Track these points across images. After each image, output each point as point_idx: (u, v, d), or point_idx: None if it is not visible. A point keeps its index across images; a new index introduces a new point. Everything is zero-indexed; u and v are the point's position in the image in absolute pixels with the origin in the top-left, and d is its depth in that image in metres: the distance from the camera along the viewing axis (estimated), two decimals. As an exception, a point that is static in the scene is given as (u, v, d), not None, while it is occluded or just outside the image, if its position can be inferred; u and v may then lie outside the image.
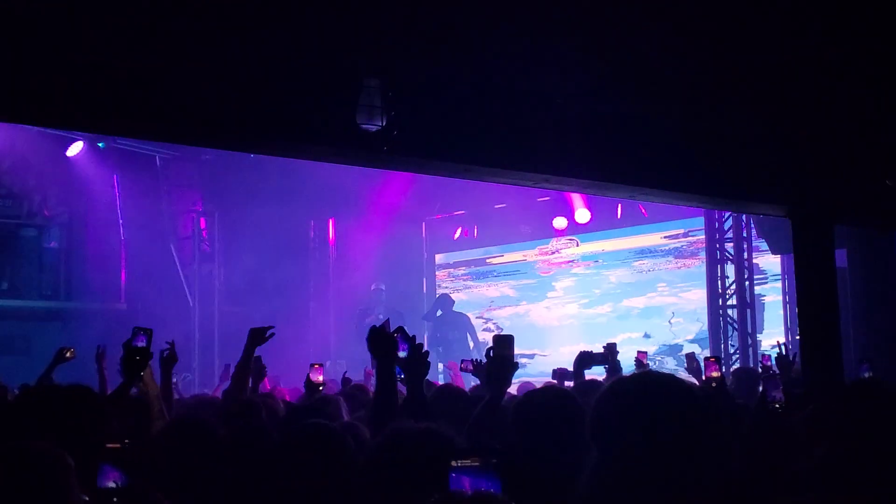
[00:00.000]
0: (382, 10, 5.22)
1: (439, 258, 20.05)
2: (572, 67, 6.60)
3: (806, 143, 8.21)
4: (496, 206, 17.75)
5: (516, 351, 5.07)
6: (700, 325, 15.94)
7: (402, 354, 4.78)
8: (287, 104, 5.39)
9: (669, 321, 16.47)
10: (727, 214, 14.93)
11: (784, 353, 8.56)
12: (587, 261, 17.80)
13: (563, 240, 17.96)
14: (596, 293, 17.59)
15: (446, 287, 19.76)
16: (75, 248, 16.94)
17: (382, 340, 4.75)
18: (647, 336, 16.55)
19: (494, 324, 18.89)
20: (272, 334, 6.71)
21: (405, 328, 4.93)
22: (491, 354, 5.08)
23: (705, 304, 15.53)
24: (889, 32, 6.41)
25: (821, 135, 8.15)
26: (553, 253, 18.16)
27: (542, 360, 16.84)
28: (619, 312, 17.19)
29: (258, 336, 6.67)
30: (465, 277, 19.65)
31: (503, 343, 5.07)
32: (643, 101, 7.27)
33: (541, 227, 18.04)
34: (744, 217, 14.71)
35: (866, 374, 8.09)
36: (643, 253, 17.08)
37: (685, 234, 16.55)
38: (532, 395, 4.50)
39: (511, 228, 18.23)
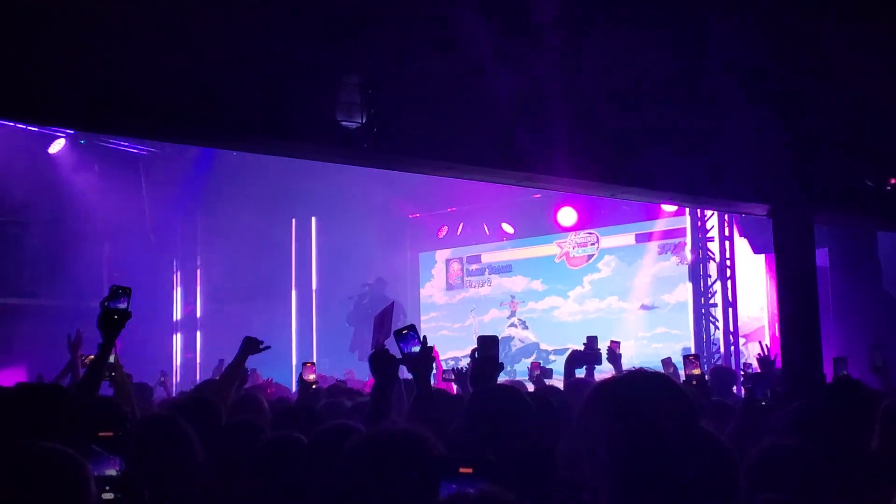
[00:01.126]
0: (365, 8, 5.24)
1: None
2: (554, 67, 6.63)
3: (787, 143, 8.26)
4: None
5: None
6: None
7: (415, 349, 4.81)
8: (268, 101, 5.39)
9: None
10: (710, 214, 14.98)
11: (766, 353, 8.59)
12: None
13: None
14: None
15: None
16: (57, 245, 16.85)
17: (386, 362, 4.75)
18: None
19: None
20: (267, 347, 6.80)
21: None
22: (476, 356, 5.13)
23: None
24: (869, 35, 6.47)
25: (802, 135, 8.20)
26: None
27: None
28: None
29: (252, 345, 6.73)
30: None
31: (488, 344, 5.10)
32: (624, 101, 7.30)
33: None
34: (726, 216, 14.77)
35: (843, 372, 8.11)
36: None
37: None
38: (484, 392, 4.52)
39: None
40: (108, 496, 3.05)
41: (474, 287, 19.36)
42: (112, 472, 3.09)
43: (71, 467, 2.58)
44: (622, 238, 17.30)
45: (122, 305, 5.02)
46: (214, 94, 5.23)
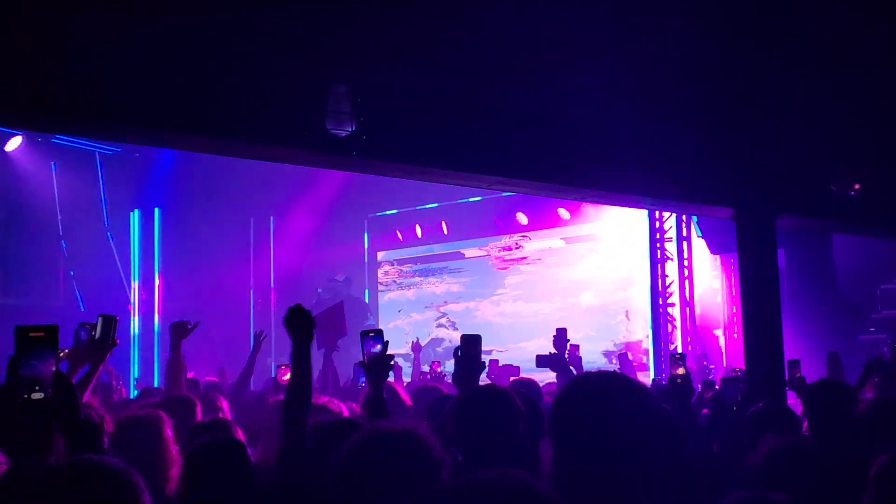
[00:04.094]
0: (349, 18, 5.30)
1: (381, 255, 20.02)
2: (525, 76, 6.73)
3: (751, 147, 8.41)
4: (460, 202, 17.85)
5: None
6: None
7: (376, 349, 4.85)
8: (257, 108, 5.42)
9: (627, 317, 16.54)
10: (667, 214, 15.14)
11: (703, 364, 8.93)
12: (540, 257, 17.81)
13: (517, 236, 17.97)
14: (551, 289, 17.61)
15: (390, 284, 19.79)
16: (12, 244, 16.67)
17: (301, 319, 4.34)
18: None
19: (448, 319, 18.95)
20: (196, 325, 6.69)
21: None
22: (459, 354, 5.18)
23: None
24: (830, 41, 6.61)
25: (765, 140, 8.35)
26: (506, 249, 18.16)
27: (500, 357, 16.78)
28: (574, 309, 17.15)
29: (181, 330, 6.61)
30: (412, 274, 19.61)
31: (471, 343, 5.17)
32: (593, 107, 7.40)
33: (494, 223, 18.14)
34: (683, 217, 14.94)
35: (797, 375, 8.30)
36: (596, 250, 17.13)
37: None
38: (474, 394, 4.57)
39: (464, 224, 18.32)
40: (37, 395, 3.04)
41: (402, 289, 19.58)
42: (44, 372, 3.07)
43: (126, 482, 2.61)
44: (550, 241, 17.75)
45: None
46: (202, 100, 5.26)
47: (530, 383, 6.93)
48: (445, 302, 19.16)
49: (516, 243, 18.13)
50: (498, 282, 18.40)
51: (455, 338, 18.33)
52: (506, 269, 18.27)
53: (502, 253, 18.27)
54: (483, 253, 18.62)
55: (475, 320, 18.27)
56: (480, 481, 2.13)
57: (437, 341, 18.59)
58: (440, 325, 18.87)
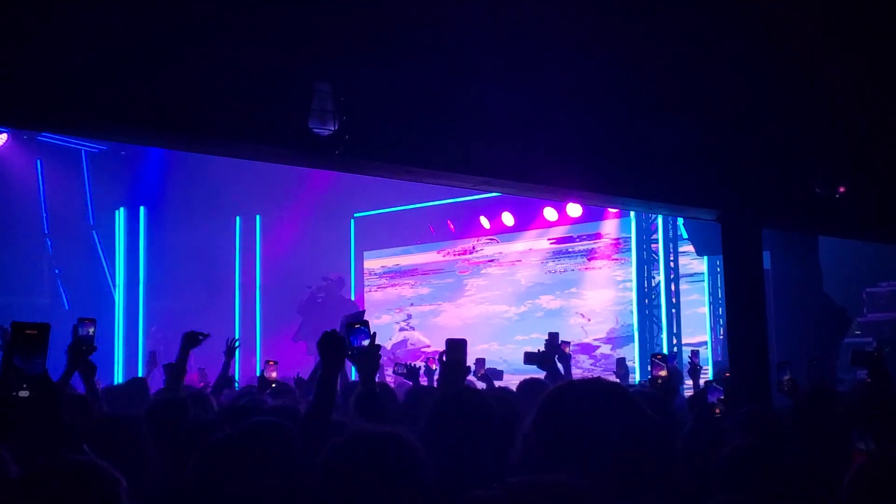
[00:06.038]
0: (332, 16, 5.29)
1: (367, 255, 19.99)
2: (509, 77, 6.73)
3: (737, 150, 8.41)
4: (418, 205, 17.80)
5: (441, 349, 5.23)
6: (610, 325, 16.19)
7: (365, 343, 4.78)
8: (241, 106, 5.41)
9: (585, 320, 16.61)
10: (653, 217, 15.14)
11: (695, 362, 8.94)
12: (507, 260, 17.83)
13: (484, 239, 17.99)
14: (514, 292, 17.64)
15: (371, 285, 19.80)
16: (-3, 241, 16.64)
17: (335, 345, 4.53)
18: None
19: (408, 323, 19.00)
20: (206, 336, 6.89)
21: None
22: (444, 358, 5.19)
23: (615, 305, 15.90)
24: (815, 45, 6.63)
25: (751, 143, 8.36)
26: (473, 252, 18.19)
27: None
28: (535, 312, 17.23)
29: (192, 339, 6.80)
30: (385, 276, 19.61)
31: (456, 347, 5.18)
32: (579, 109, 7.40)
33: (464, 225, 18.12)
34: (670, 219, 14.94)
35: (786, 377, 8.30)
36: (560, 254, 17.18)
37: (603, 236, 16.65)
38: (449, 397, 4.54)
39: (432, 227, 18.31)
40: (24, 394, 3.08)
41: (378, 290, 19.63)
42: (32, 371, 3.14)
43: (106, 483, 2.60)
44: (517, 244, 17.74)
45: (92, 331, 5.16)
46: (185, 98, 5.24)
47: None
48: (411, 304, 19.19)
49: (473, 247, 18.16)
50: (461, 285, 18.40)
51: (418, 340, 18.47)
52: (467, 272, 18.30)
53: (469, 256, 18.27)
54: (443, 256, 18.65)
55: (438, 322, 18.30)
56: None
57: (399, 344, 18.71)
58: (403, 329, 18.93)
